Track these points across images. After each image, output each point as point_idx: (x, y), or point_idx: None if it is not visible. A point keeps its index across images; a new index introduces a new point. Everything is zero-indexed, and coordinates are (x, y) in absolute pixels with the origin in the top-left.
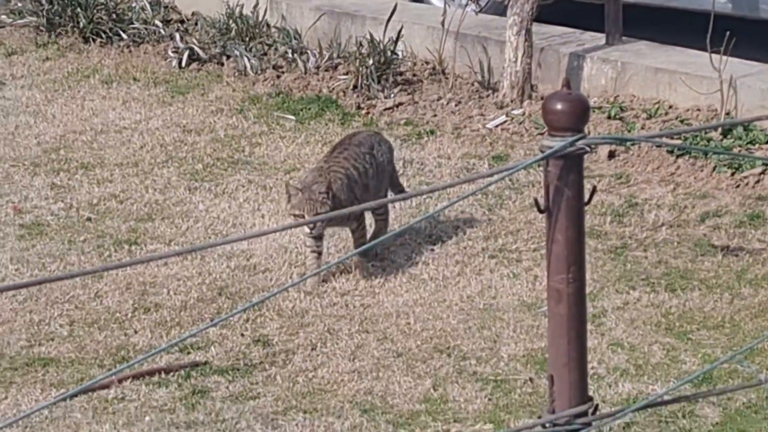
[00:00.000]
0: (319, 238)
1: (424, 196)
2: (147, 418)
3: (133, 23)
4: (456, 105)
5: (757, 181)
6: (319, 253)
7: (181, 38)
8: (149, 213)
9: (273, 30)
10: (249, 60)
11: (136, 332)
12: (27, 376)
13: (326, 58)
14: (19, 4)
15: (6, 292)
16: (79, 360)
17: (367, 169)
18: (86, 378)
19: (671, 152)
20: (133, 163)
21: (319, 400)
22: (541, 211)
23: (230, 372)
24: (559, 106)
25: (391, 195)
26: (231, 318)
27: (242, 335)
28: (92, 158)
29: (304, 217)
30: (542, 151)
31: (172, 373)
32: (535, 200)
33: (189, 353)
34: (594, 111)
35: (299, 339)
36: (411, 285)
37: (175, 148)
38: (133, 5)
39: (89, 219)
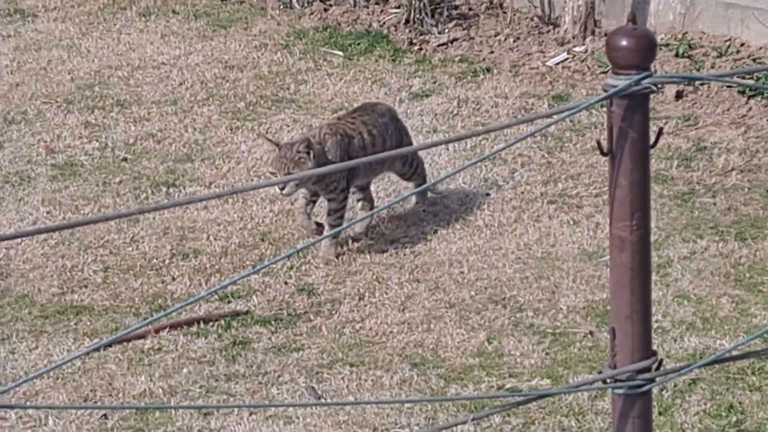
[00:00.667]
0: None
1: (480, 138)
2: (185, 370)
3: None
4: (514, 41)
5: None
6: (308, 215)
7: None
8: (188, 153)
9: None
10: None
11: (173, 279)
12: (59, 324)
13: None
14: None
15: (37, 236)
16: (113, 308)
17: (385, 140)
18: (121, 327)
19: (743, 93)
20: (171, 101)
21: (366, 353)
22: (604, 154)
23: (273, 322)
24: (624, 43)
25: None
26: (274, 265)
27: (286, 283)
28: (129, 95)
29: (275, 175)
30: (606, 90)
31: (211, 323)
32: (598, 142)
33: (229, 302)
34: (660, 48)
35: (346, 288)
36: (465, 232)
37: (216, 85)
38: None
39: (125, 159)
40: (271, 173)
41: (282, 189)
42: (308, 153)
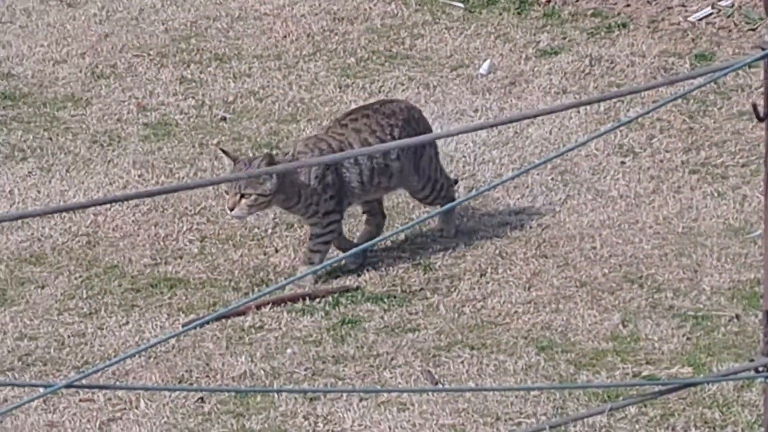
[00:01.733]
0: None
1: (614, 100)
2: (289, 351)
3: None
4: None
5: None
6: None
7: None
8: (293, 113)
9: None
10: None
11: (276, 251)
12: (151, 298)
13: None
14: None
15: (128, 202)
16: (210, 282)
17: (389, 150)
18: (219, 303)
19: None
20: (275, 55)
21: (488, 335)
22: (760, 119)
23: (385, 299)
24: None
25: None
26: (388, 238)
27: (400, 257)
28: (228, 49)
29: (228, 195)
30: (763, 48)
31: (318, 300)
32: (754, 106)
33: (338, 277)
34: None
35: (466, 263)
36: (597, 203)
37: (323, 38)
38: None
39: (224, 119)
40: (225, 191)
41: (231, 209)
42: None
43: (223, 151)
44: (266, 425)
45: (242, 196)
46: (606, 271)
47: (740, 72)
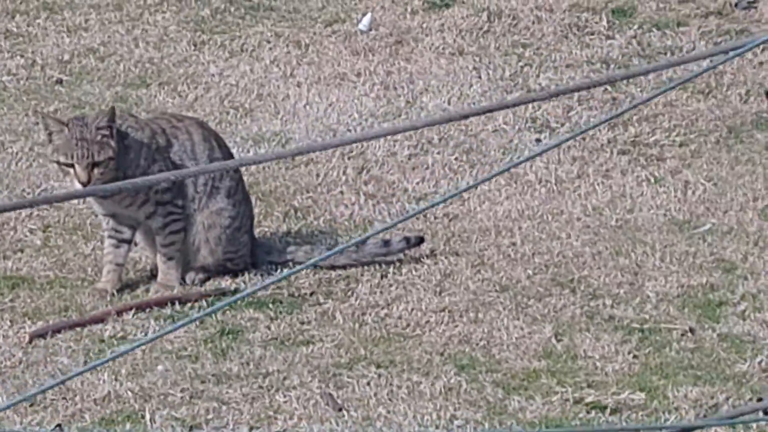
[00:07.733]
0: (117, 217)
1: (521, 64)
2: (159, 368)
3: None
4: None
5: None
6: (121, 242)
7: None
8: (141, 76)
9: None
10: None
11: (136, 244)
12: None
13: None
14: None
15: None
16: (60, 281)
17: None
18: (72, 307)
19: None
20: (114, 5)
21: (396, 350)
22: None
23: (270, 305)
24: None
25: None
26: (267, 227)
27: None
28: None
29: (73, 167)
30: None
31: (189, 305)
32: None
33: (211, 277)
34: None
35: None
36: (513, 189)
37: None
38: None
39: (60, 81)
40: (65, 165)
41: (85, 184)
42: (110, 129)
43: (45, 117)
44: None
45: (95, 164)
46: (530, 272)
47: (666, 31)
